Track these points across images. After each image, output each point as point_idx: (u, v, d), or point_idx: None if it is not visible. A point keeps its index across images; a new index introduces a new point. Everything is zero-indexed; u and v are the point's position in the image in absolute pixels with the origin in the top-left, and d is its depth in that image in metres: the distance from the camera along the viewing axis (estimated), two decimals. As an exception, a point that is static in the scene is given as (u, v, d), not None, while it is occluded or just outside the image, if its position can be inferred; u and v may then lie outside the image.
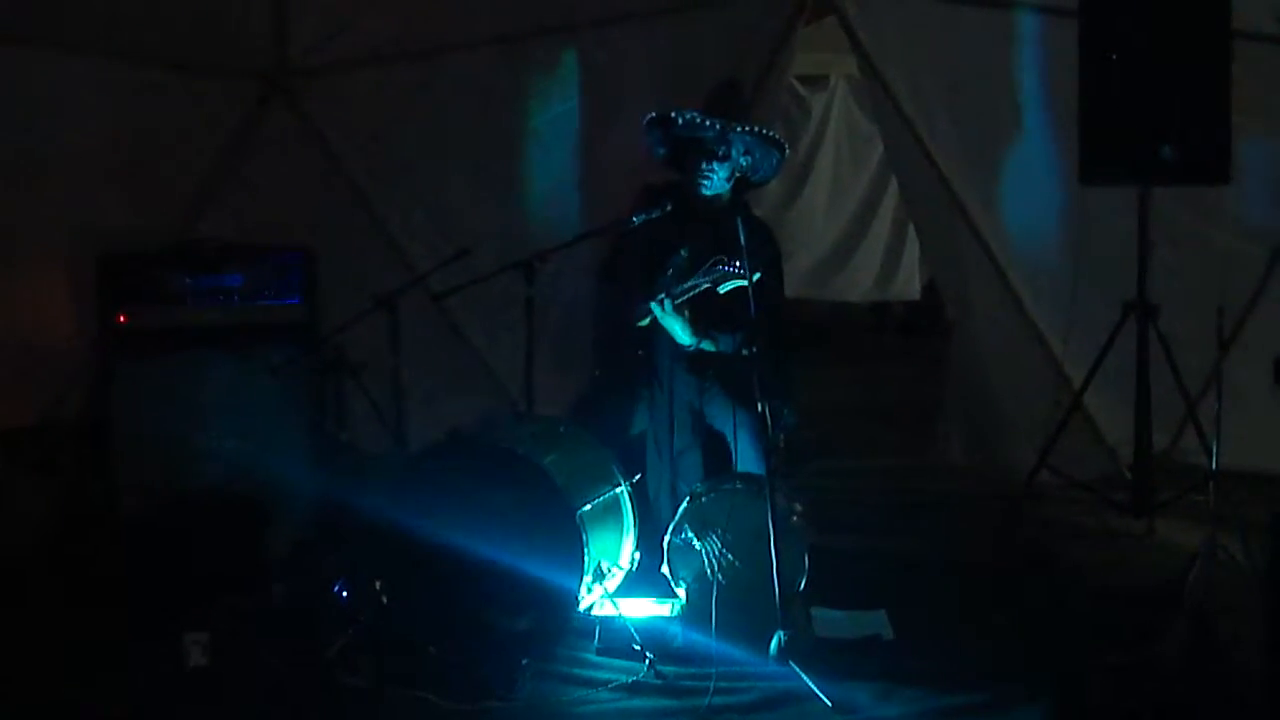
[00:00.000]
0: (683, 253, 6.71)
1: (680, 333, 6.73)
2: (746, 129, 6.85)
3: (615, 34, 8.46)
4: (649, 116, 6.91)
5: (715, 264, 6.48)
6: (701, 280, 6.53)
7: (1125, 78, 7.51)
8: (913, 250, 15.80)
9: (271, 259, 7.35)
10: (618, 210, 7.15)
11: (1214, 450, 6.64)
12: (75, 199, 7.61)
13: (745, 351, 6.02)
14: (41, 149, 7.49)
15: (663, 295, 6.64)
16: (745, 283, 6.17)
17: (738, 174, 6.93)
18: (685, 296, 6.63)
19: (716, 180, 6.85)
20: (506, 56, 8.41)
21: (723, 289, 6.48)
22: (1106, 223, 8.05)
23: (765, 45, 8.66)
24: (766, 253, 6.71)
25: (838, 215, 16.54)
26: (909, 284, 16.55)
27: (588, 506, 6.09)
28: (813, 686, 5.46)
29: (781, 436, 6.70)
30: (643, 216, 6.72)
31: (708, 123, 6.76)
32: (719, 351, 6.78)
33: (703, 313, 6.72)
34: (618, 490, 6.46)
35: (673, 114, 6.81)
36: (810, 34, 9.38)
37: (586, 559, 5.92)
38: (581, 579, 5.92)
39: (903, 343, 15.80)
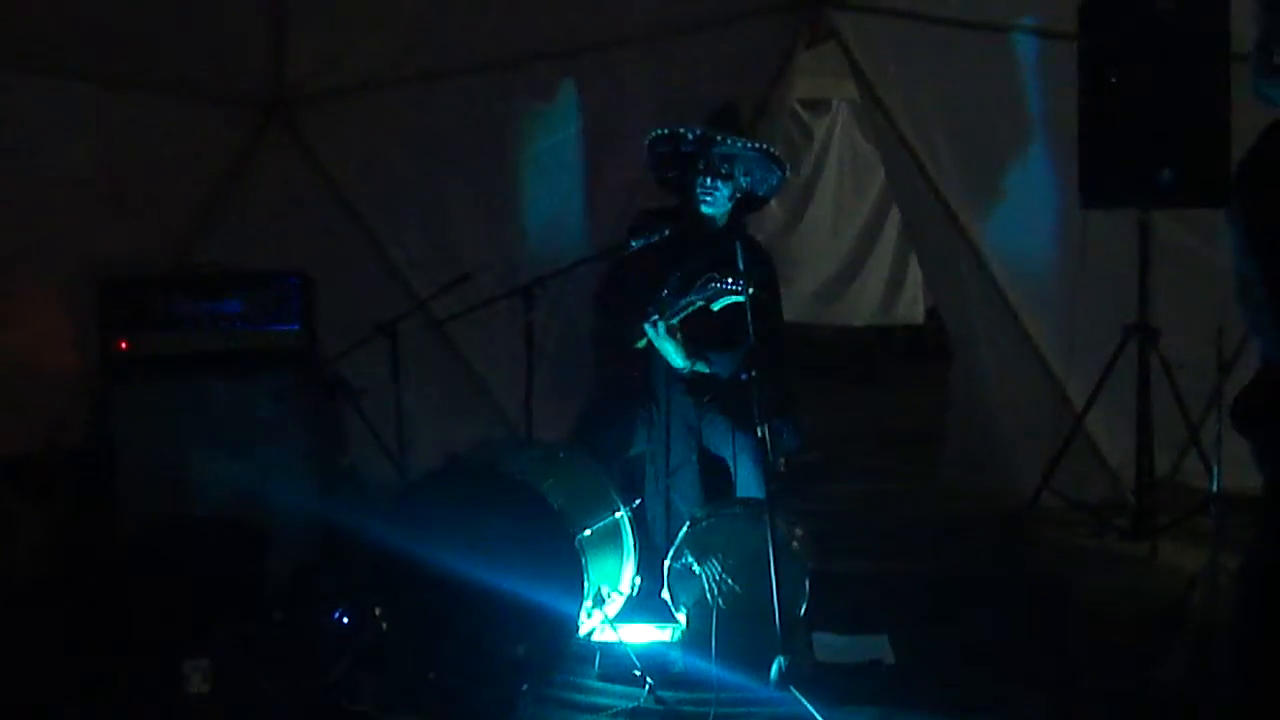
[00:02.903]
0: (677, 274, 6.72)
1: (674, 355, 6.75)
2: (753, 145, 6.89)
3: (615, 59, 8.47)
4: (654, 133, 6.93)
5: (709, 281, 6.49)
6: (696, 298, 6.54)
7: (1125, 100, 7.53)
8: (916, 274, 15.73)
9: (270, 285, 7.35)
10: (617, 235, 7.16)
11: (1215, 473, 6.63)
12: (75, 226, 7.62)
13: (744, 375, 6.01)
14: (41, 176, 7.49)
15: (655, 317, 6.65)
16: (741, 299, 6.19)
17: (738, 195, 6.98)
18: (680, 315, 6.64)
19: (719, 198, 6.91)
20: (505, 81, 8.42)
21: (716, 306, 6.50)
22: (1107, 246, 8.05)
23: (766, 70, 8.66)
24: (763, 274, 6.72)
25: (841, 239, 16.51)
26: (913, 308, 16.52)
27: (587, 532, 6.08)
28: (813, 712, 5.42)
29: (782, 461, 6.70)
30: (641, 241, 6.74)
31: (716, 137, 6.79)
32: (714, 373, 6.80)
33: (698, 334, 6.73)
34: (617, 515, 6.45)
35: (680, 130, 6.84)
36: (811, 58, 9.39)
37: (586, 584, 5.90)
38: (581, 604, 5.90)
39: (906, 367, 15.77)
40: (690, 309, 6.61)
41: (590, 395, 7.50)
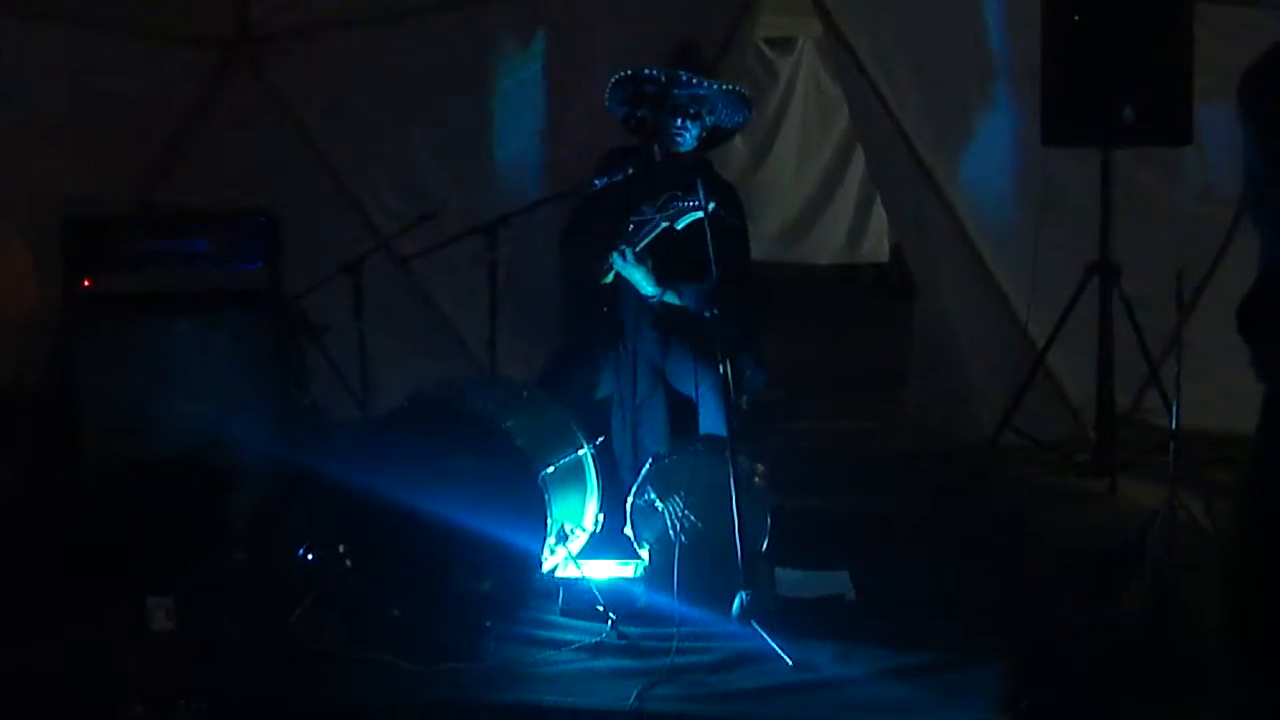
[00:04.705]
0: (645, 209, 6.71)
1: (643, 282, 6.76)
2: (721, 86, 6.89)
3: (579, -3, 8.46)
4: (617, 75, 6.92)
5: (671, 200, 6.51)
6: (659, 218, 6.56)
7: (1088, 39, 7.55)
8: (881, 213, 15.71)
9: (235, 224, 7.32)
10: (583, 174, 7.15)
11: (1175, 410, 6.68)
12: (39, 166, 7.59)
13: (707, 313, 6.03)
14: (5, 117, 7.46)
15: (623, 245, 6.66)
16: (700, 214, 6.20)
17: (704, 133, 6.99)
18: (646, 238, 6.66)
19: (689, 138, 6.91)
20: (470, 20, 8.40)
21: (680, 224, 6.51)
22: (1069, 184, 8.09)
23: (731, 7, 8.62)
24: (729, 206, 6.73)
25: (806, 178, 16.52)
26: (877, 246, 16.55)
27: (550, 469, 6.09)
28: (774, 646, 5.48)
29: (745, 398, 6.72)
30: (605, 180, 6.73)
31: (684, 78, 6.79)
32: (683, 305, 6.81)
33: (666, 264, 6.75)
34: (580, 453, 6.45)
35: (648, 71, 6.83)
36: (776, -4, 9.39)
37: (549, 521, 5.93)
38: (544, 541, 5.93)
39: (870, 305, 15.77)
40: (655, 230, 6.63)
41: (558, 339, 7.51)
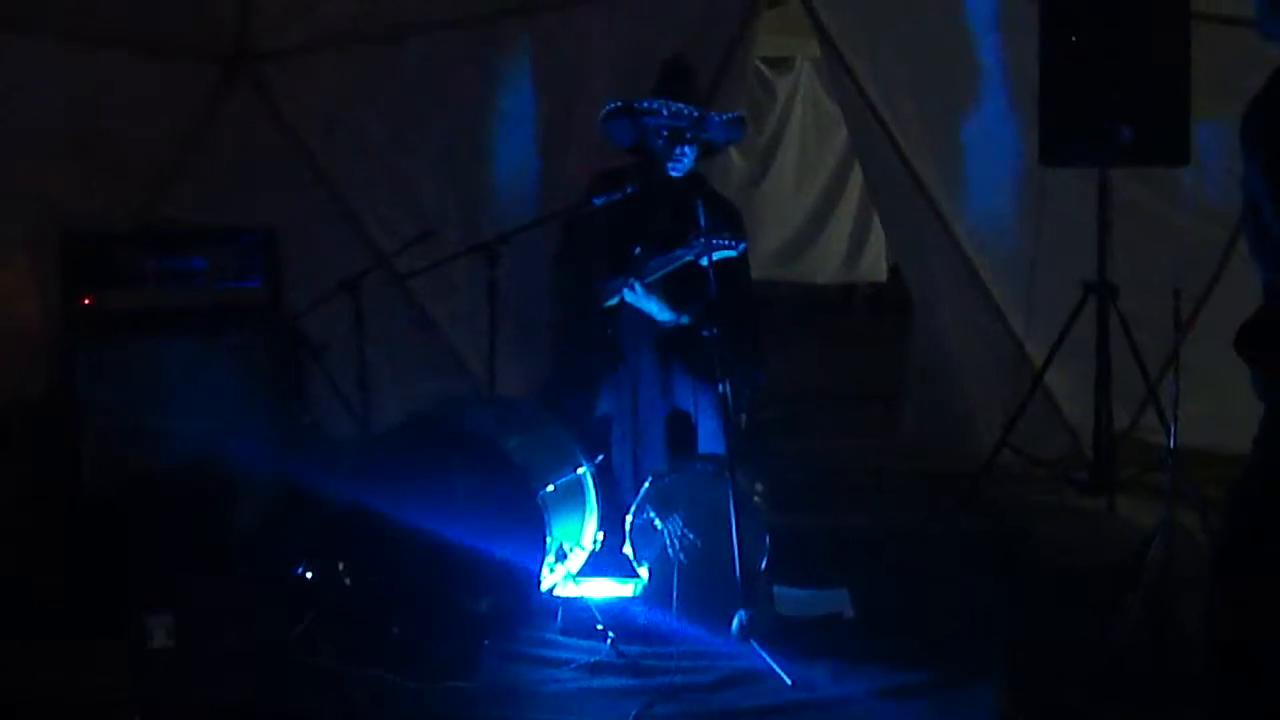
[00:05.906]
0: (653, 230, 6.72)
1: (657, 311, 6.80)
2: (720, 117, 6.92)
3: (577, 16, 8.45)
4: (612, 105, 6.94)
5: (697, 238, 6.48)
6: (685, 253, 6.54)
7: (1086, 59, 7.56)
8: (879, 231, 15.72)
9: (235, 241, 7.33)
10: (580, 192, 7.16)
11: (1172, 429, 6.69)
12: (39, 182, 7.60)
13: (706, 332, 6.04)
14: (5, 132, 7.47)
15: (631, 279, 6.67)
16: (733, 253, 6.24)
17: (699, 153, 7.01)
18: (660, 272, 6.68)
19: (686, 162, 6.93)
20: (469, 39, 8.40)
21: (705, 261, 6.52)
22: (1067, 203, 8.09)
23: (729, 27, 8.62)
24: (733, 226, 6.75)
25: (804, 197, 16.51)
26: (876, 265, 16.56)
27: (549, 488, 6.11)
28: (773, 665, 5.49)
29: (744, 417, 6.73)
30: (603, 199, 6.73)
31: (685, 111, 6.80)
32: (689, 325, 6.81)
33: (675, 286, 6.77)
34: (580, 471, 6.47)
35: (644, 104, 6.84)
36: (774, 16, 9.38)
37: (548, 540, 5.94)
38: (543, 560, 5.93)
39: (869, 323, 15.81)
40: (674, 264, 6.64)
41: (552, 359, 7.52)
